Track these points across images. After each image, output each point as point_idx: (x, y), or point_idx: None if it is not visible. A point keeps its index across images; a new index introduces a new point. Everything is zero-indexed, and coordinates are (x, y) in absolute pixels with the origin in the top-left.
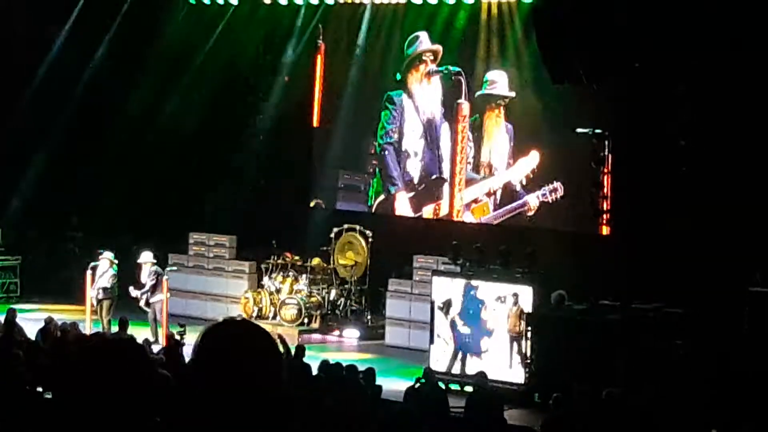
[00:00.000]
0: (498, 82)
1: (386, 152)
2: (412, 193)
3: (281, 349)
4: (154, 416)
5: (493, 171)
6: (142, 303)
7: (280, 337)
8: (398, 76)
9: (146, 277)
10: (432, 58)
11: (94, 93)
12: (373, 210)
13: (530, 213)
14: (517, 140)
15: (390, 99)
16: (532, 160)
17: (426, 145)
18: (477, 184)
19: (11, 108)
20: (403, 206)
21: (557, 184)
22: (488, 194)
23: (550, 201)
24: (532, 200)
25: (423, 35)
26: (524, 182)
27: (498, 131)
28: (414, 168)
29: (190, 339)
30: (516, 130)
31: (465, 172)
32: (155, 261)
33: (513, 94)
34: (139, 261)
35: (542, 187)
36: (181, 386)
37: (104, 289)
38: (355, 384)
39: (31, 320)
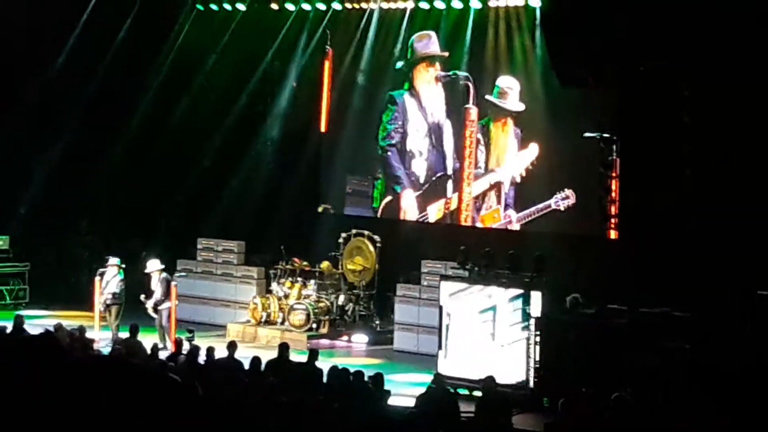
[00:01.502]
0: (509, 94)
1: (389, 153)
2: (417, 192)
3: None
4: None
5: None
6: (150, 309)
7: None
8: (398, 65)
9: (156, 284)
10: (438, 61)
11: (103, 99)
12: (380, 212)
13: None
14: (523, 140)
15: (392, 99)
16: (531, 152)
17: (430, 144)
18: (480, 179)
19: (20, 113)
20: (409, 204)
21: (569, 192)
22: (490, 188)
23: (562, 209)
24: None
25: (433, 35)
26: (524, 174)
27: (505, 139)
28: (419, 167)
29: (198, 344)
30: (523, 133)
31: (473, 176)
32: (163, 267)
33: (522, 107)
34: (146, 271)
35: (554, 195)
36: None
37: (113, 295)
38: (363, 389)
39: (40, 326)
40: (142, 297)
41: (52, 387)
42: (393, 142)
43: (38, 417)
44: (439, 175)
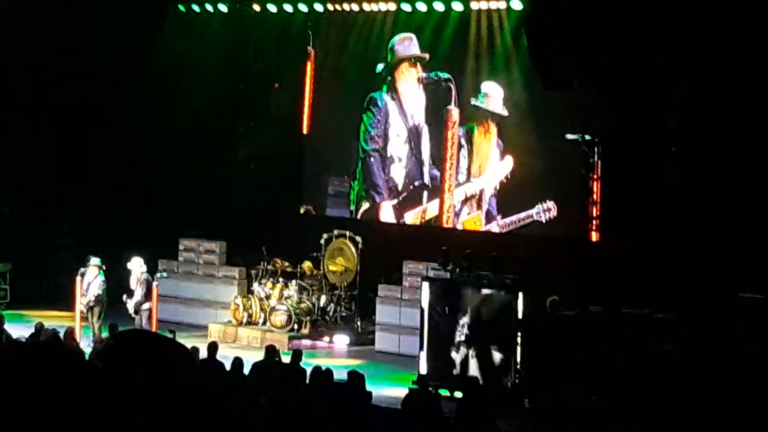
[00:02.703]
0: (492, 97)
1: (371, 158)
2: (395, 201)
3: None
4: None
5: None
6: (130, 310)
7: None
8: (378, 69)
9: (135, 284)
10: (420, 63)
11: (85, 100)
12: (358, 216)
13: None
14: (504, 148)
15: (373, 101)
16: (506, 165)
17: (410, 151)
18: (458, 188)
19: (2, 114)
20: (387, 215)
21: (550, 204)
22: (467, 199)
23: (544, 221)
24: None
25: (414, 37)
26: (498, 187)
27: (487, 146)
28: (398, 174)
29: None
30: (504, 141)
31: (454, 178)
32: (144, 269)
33: (506, 113)
34: (129, 266)
35: (536, 205)
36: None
37: (96, 296)
38: (344, 390)
39: (20, 327)
40: (125, 297)
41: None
42: (377, 147)
43: (33, 417)
44: (416, 184)
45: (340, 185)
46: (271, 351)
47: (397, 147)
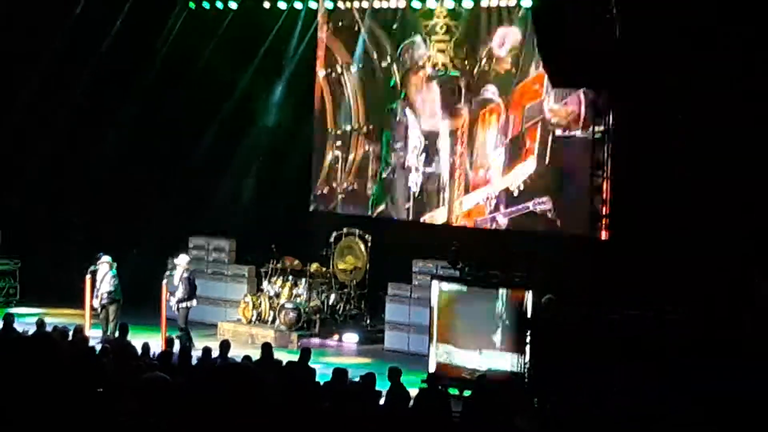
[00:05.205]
0: (488, 89)
1: (395, 174)
2: (411, 203)
3: None
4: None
5: (487, 176)
6: (173, 307)
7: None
8: (392, 82)
9: (178, 280)
10: (428, 61)
11: (94, 96)
12: (373, 216)
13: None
14: (514, 147)
15: (393, 112)
16: (529, 166)
17: (426, 157)
18: (475, 191)
19: (11, 109)
20: (402, 216)
21: (544, 198)
22: (486, 199)
23: (538, 212)
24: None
25: (418, 40)
26: (522, 188)
27: (488, 136)
28: (414, 182)
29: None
30: (513, 137)
31: (464, 179)
32: (188, 267)
33: (500, 101)
34: (175, 261)
35: (533, 199)
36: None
37: (108, 293)
38: (363, 390)
39: (31, 324)
40: (169, 294)
41: (46, 386)
42: (401, 160)
43: (32, 416)
44: (435, 185)
45: (351, 183)
46: (266, 348)
47: (415, 156)
